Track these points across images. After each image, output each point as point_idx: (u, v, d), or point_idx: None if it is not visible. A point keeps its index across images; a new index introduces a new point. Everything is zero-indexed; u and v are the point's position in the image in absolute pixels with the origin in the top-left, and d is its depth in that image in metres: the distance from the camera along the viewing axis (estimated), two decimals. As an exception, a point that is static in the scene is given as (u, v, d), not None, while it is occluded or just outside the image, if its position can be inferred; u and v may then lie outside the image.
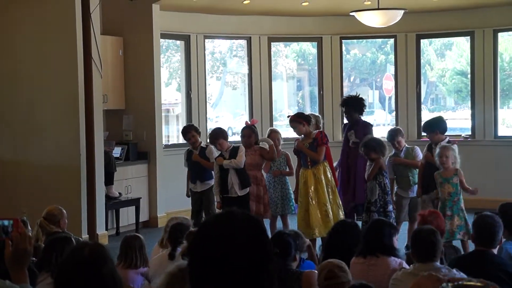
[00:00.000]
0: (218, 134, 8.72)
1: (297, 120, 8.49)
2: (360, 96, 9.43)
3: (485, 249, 4.91)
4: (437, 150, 8.02)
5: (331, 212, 8.30)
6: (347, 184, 9.06)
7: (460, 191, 7.88)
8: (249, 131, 8.98)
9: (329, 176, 8.46)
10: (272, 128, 10.17)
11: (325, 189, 8.38)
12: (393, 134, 9.14)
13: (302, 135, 8.54)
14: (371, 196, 8.21)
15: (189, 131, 9.20)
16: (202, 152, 9.09)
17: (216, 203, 8.72)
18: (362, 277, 4.59)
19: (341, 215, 8.35)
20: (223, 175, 8.54)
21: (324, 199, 8.36)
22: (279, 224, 9.22)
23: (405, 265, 5.08)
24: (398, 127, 9.93)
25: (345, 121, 11.12)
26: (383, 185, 8.24)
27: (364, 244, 5.22)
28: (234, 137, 12.02)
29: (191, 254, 2.01)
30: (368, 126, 9.30)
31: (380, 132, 10.28)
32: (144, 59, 11.00)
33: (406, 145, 9.09)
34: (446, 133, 8.72)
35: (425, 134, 8.74)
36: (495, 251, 5.04)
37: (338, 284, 4.18)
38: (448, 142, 8.42)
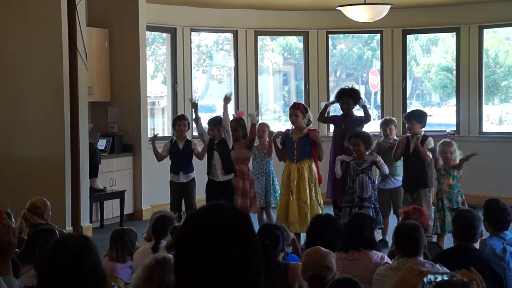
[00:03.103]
0: (216, 121, 8.77)
1: (302, 110, 8.48)
2: (355, 88, 9.48)
3: (466, 244, 4.94)
4: (439, 146, 8.06)
5: (309, 210, 8.29)
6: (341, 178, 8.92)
7: (459, 184, 7.94)
8: (235, 124, 8.97)
9: (314, 172, 8.44)
10: (261, 122, 10.14)
11: (307, 186, 8.36)
12: (388, 121, 9.24)
13: (293, 126, 8.52)
14: (361, 193, 8.18)
15: (182, 120, 9.28)
16: (187, 145, 9.14)
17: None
18: (345, 271, 4.60)
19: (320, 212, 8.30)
20: (209, 158, 8.63)
21: (305, 197, 8.33)
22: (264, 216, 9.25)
23: (387, 259, 5.10)
24: (393, 118, 9.87)
25: (331, 113, 11.11)
26: (373, 182, 8.29)
27: (346, 238, 5.24)
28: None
29: (177, 246, 2.00)
30: (361, 120, 9.28)
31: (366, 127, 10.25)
32: (130, 52, 10.96)
33: (395, 137, 9.18)
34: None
35: (407, 122, 8.67)
36: (477, 245, 5.07)
37: (323, 284, 4.18)
38: (424, 136, 8.49)
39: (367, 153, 8.31)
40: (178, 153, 9.17)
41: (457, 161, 8.01)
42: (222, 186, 8.58)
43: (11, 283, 2.88)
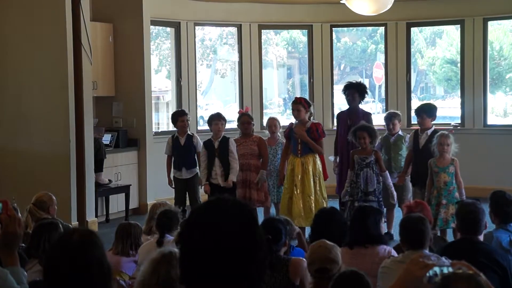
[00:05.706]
0: (221, 116, 8.75)
1: (304, 104, 8.47)
2: (362, 83, 9.46)
3: (471, 237, 4.94)
4: (436, 138, 7.99)
5: (313, 204, 8.25)
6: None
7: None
8: (248, 118, 8.95)
9: (318, 167, 8.42)
10: (272, 116, 10.11)
11: (311, 180, 8.32)
12: (392, 115, 9.24)
13: (296, 121, 8.51)
14: (366, 186, 8.14)
15: (183, 115, 9.23)
16: (189, 140, 9.11)
17: (204, 185, 8.68)
18: (351, 266, 4.59)
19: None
20: (209, 162, 8.55)
21: (309, 191, 8.30)
22: (272, 211, 9.22)
23: (393, 252, 5.09)
24: (397, 111, 9.84)
25: (336, 109, 11.11)
26: (378, 175, 8.27)
27: (351, 235, 5.23)
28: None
29: (181, 241, 2.00)
30: (368, 116, 9.19)
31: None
32: (134, 46, 10.96)
33: (400, 132, 9.18)
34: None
35: (418, 117, 8.63)
36: (481, 238, 5.06)
37: (329, 277, 4.18)
38: (435, 131, 8.43)
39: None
40: (180, 149, 9.15)
41: (453, 156, 7.92)
42: (225, 190, 8.30)
43: (19, 273, 2.88)
